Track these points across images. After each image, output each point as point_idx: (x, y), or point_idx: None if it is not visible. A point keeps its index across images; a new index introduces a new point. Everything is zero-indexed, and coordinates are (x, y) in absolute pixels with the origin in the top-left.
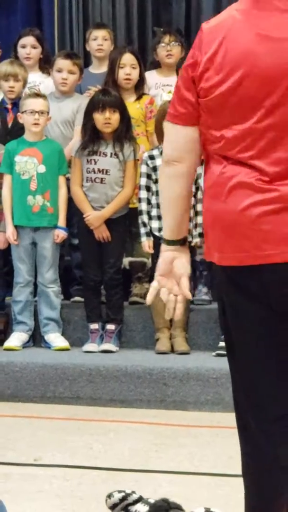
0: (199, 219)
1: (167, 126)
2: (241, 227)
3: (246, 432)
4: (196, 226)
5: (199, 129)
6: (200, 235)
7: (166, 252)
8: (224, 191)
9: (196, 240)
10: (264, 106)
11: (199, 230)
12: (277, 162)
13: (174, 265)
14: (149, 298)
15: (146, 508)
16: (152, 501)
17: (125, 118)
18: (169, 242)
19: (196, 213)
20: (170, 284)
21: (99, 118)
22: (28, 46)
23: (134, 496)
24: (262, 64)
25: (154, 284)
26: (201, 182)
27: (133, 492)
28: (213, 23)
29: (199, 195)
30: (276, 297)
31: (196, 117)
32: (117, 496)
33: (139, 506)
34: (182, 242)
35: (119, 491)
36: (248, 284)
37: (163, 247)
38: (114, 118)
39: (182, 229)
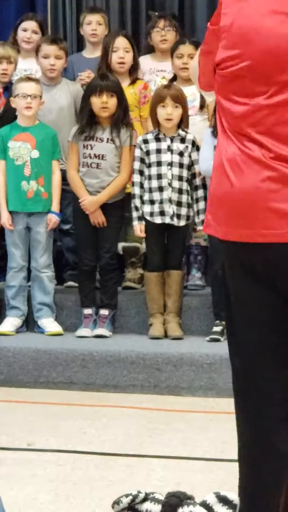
0: (200, 205)
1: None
2: (249, 203)
3: (245, 418)
4: (198, 213)
5: (217, 98)
6: (203, 222)
7: None
8: (233, 167)
9: (200, 228)
10: (277, 82)
11: (202, 217)
12: (284, 139)
13: None
14: None
15: (158, 507)
16: (159, 496)
17: (123, 103)
18: None
19: (197, 200)
20: None
21: (96, 102)
22: (29, 31)
23: (141, 496)
24: (274, 39)
25: None
26: (197, 167)
27: (139, 492)
28: None
29: (197, 181)
30: (281, 278)
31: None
32: (125, 501)
33: (148, 505)
34: None
35: (126, 495)
36: (253, 263)
37: None
38: (112, 102)
39: None
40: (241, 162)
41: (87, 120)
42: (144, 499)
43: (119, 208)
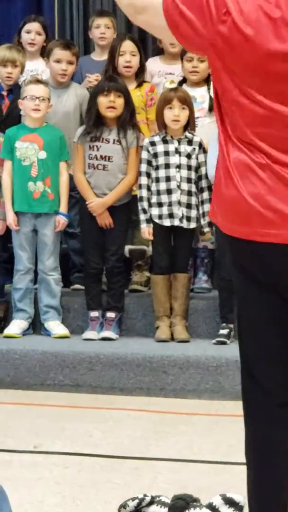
0: (206, 207)
1: None
2: (249, 204)
3: (251, 417)
4: (204, 215)
5: (222, 105)
6: (210, 224)
7: None
8: (237, 171)
9: (207, 230)
10: (272, 90)
11: (207, 219)
12: (280, 142)
13: None
14: None
15: (164, 510)
16: (165, 499)
17: (130, 105)
18: None
19: (202, 202)
20: None
21: (103, 101)
22: (33, 32)
23: (147, 499)
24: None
25: None
26: (203, 170)
27: (145, 495)
28: None
29: (204, 183)
30: (281, 278)
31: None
32: (132, 505)
33: (154, 508)
34: None
35: (133, 499)
36: (252, 261)
37: None
38: (119, 102)
39: None
40: (244, 166)
41: (94, 121)
42: (151, 503)
43: (125, 210)
